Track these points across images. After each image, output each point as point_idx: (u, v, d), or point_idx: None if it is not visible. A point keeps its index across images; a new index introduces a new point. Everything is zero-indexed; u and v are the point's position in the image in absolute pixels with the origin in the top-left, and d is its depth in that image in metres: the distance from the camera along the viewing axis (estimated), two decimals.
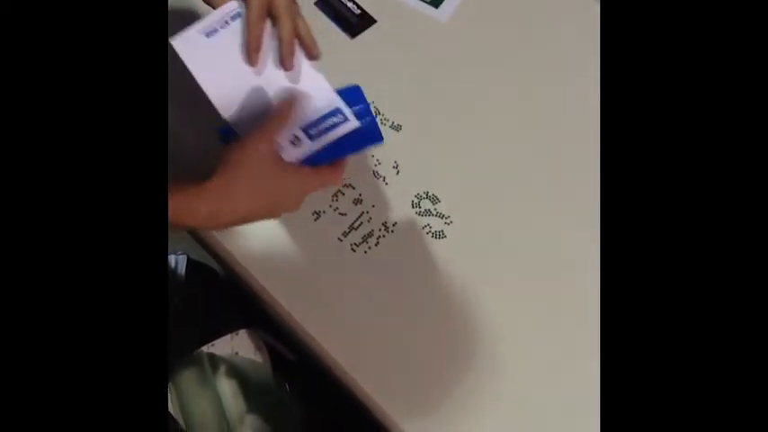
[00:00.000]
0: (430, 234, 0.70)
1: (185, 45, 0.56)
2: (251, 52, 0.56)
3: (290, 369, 0.78)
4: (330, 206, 0.70)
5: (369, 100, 0.57)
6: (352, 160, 0.72)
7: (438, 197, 0.72)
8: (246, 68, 0.57)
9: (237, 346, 0.76)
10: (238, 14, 0.57)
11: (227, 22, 0.57)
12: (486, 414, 0.63)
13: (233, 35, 0.57)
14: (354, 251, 0.69)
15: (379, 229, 0.70)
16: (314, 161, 0.58)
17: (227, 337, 0.76)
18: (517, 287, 0.68)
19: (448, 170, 0.73)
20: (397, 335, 0.66)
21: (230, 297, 0.83)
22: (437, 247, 0.69)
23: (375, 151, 0.73)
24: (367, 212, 0.70)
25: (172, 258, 0.87)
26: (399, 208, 0.71)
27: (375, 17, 0.81)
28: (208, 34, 0.57)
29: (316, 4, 0.81)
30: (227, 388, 0.74)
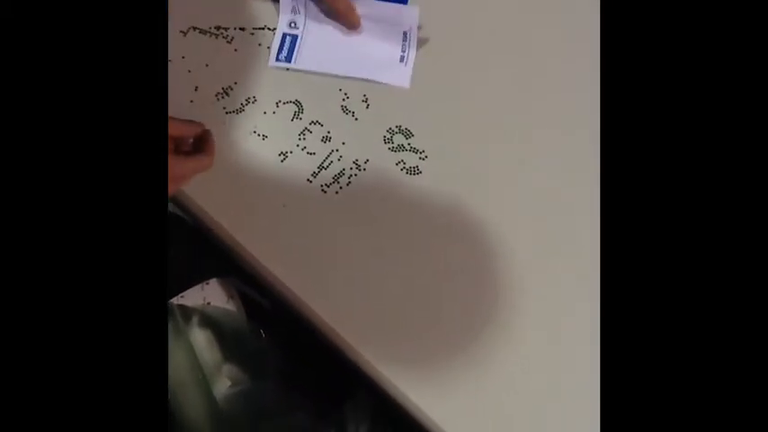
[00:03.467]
0: (404, 170, 0.67)
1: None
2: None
3: (266, 317, 0.76)
4: (297, 145, 0.66)
5: None
6: (317, 95, 0.68)
7: (411, 131, 0.68)
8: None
9: (209, 295, 0.73)
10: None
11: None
12: (468, 359, 0.62)
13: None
14: (325, 192, 0.65)
15: (351, 168, 0.66)
16: None
17: (197, 287, 0.73)
18: (498, 222, 0.66)
19: (420, 102, 0.69)
20: (372, 277, 0.63)
21: (198, 246, 0.80)
22: (412, 183, 0.66)
23: (342, 85, 0.69)
24: (337, 150, 0.67)
25: None
26: (371, 144, 0.67)
27: None
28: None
29: None
30: (200, 338, 0.72)
